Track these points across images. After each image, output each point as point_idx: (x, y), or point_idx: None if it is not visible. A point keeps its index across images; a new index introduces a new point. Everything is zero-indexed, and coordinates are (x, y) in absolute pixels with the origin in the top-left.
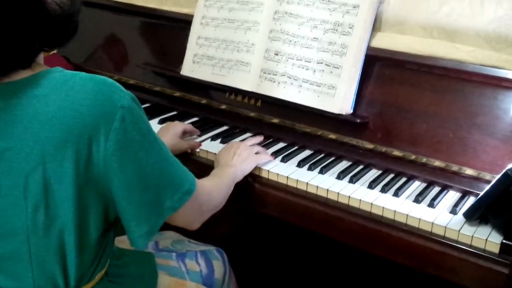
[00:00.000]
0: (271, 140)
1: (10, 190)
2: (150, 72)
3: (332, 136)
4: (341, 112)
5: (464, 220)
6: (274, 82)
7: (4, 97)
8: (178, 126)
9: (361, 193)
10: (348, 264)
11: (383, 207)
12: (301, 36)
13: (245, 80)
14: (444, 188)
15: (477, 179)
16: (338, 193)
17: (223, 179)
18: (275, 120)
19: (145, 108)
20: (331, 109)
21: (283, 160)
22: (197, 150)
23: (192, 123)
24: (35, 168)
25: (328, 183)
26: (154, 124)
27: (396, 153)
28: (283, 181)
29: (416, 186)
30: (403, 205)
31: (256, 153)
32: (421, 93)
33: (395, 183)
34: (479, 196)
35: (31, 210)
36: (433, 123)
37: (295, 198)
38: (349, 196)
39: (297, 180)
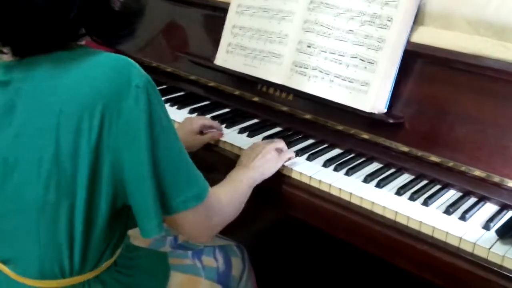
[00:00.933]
0: (300, 136)
1: (26, 165)
2: (187, 61)
3: (365, 136)
4: (373, 111)
5: (497, 237)
6: (305, 75)
7: (28, 69)
8: (196, 122)
9: (386, 200)
10: (377, 277)
11: (409, 217)
12: (336, 28)
13: (276, 73)
14: (481, 199)
15: None
16: (362, 197)
17: (240, 188)
18: (307, 116)
19: (178, 97)
20: (363, 107)
21: (308, 159)
22: (222, 139)
23: (223, 114)
24: (49, 143)
25: (353, 186)
26: (185, 113)
27: (433, 158)
28: (306, 180)
29: (450, 195)
30: (431, 216)
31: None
32: (464, 95)
33: (426, 191)
34: None
35: (42, 187)
36: (475, 128)
37: (316, 199)
38: (372, 202)
39: (320, 180)
